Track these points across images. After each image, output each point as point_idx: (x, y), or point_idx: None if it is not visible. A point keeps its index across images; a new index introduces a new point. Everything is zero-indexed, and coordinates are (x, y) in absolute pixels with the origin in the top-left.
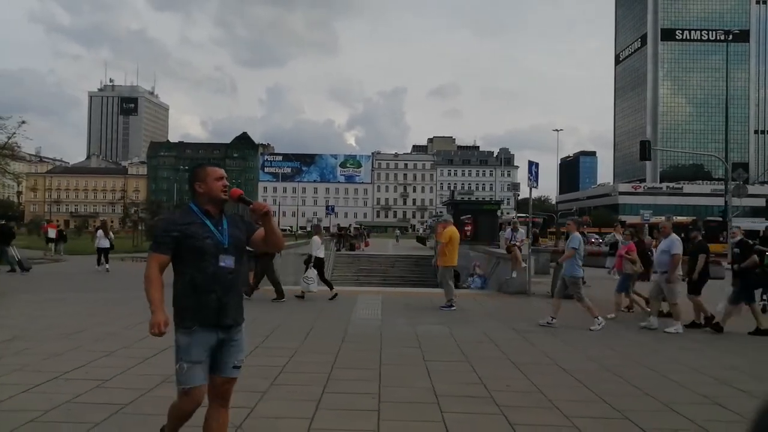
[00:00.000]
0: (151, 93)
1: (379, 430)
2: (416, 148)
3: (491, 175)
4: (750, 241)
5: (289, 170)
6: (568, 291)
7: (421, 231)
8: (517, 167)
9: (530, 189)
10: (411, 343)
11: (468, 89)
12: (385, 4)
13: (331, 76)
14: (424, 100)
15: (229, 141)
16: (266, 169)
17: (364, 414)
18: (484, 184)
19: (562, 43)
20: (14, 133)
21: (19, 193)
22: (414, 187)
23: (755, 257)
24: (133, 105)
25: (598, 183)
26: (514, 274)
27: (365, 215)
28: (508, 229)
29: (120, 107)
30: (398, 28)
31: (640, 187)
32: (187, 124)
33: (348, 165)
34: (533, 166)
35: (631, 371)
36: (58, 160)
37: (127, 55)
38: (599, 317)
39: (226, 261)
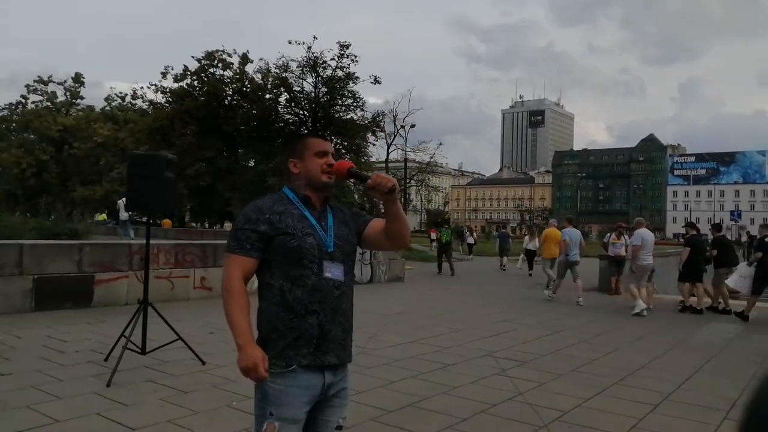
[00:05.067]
0: (557, 104)
1: (645, 418)
2: None
3: None
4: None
5: (702, 171)
6: None
7: None
8: None
9: None
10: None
11: None
12: None
13: (760, 61)
14: None
15: (634, 145)
16: (675, 172)
17: (640, 406)
18: None
19: None
20: (434, 154)
21: (445, 203)
22: None
23: None
24: (540, 117)
25: None
26: None
27: None
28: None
29: (528, 120)
30: None
31: None
32: (593, 132)
33: None
34: None
35: None
36: (476, 173)
37: (536, 71)
38: None
39: (332, 270)
